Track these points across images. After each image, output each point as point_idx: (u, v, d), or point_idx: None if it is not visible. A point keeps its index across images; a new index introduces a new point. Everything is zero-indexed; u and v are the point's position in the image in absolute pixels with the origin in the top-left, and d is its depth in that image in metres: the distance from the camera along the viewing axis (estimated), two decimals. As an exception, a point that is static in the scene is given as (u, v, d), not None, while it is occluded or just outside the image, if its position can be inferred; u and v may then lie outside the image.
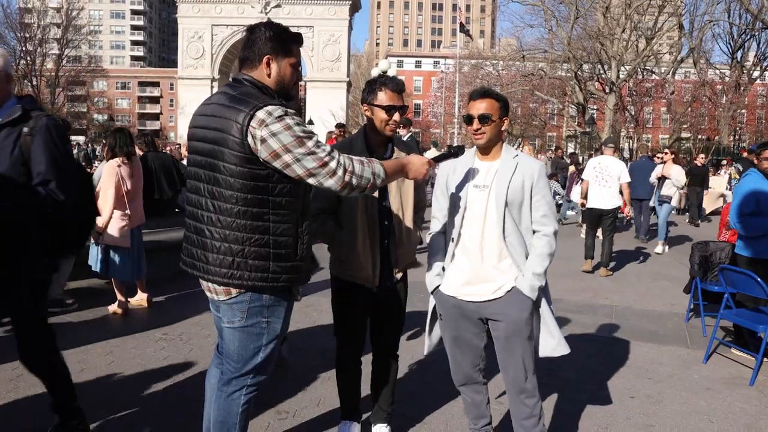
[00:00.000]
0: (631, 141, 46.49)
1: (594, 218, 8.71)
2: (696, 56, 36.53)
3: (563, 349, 2.92)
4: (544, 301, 2.89)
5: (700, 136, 44.88)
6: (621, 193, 8.59)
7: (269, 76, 2.54)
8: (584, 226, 9.91)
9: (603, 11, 32.73)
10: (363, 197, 3.04)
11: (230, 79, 2.64)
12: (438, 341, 3.13)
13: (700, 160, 16.58)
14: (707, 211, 17.03)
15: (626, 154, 38.80)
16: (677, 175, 11.04)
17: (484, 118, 2.82)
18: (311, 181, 2.39)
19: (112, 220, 5.64)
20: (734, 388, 4.51)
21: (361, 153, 3.05)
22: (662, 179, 11.02)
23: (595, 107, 40.71)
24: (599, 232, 8.77)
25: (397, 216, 3.18)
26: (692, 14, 36.44)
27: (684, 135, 44.39)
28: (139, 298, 6.08)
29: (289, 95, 2.61)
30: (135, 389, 4.09)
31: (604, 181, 8.42)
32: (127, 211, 5.71)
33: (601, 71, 35.25)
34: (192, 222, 2.54)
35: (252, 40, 2.54)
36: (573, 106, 40.28)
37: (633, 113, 42.50)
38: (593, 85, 36.57)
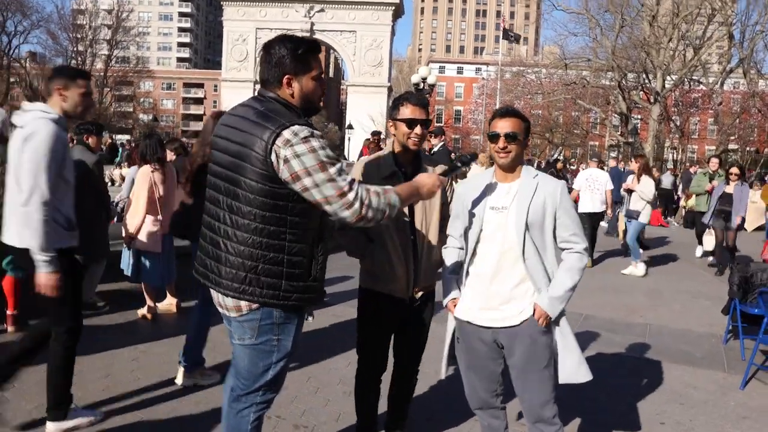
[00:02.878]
0: (675, 152, 45.38)
1: (586, 221, 9.39)
2: (746, 66, 35.38)
3: (585, 375, 2.82)
4: (564, 322, 2.80)
5: (748, 148, 43.53)
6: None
7: (293, 95, 2.48)
8: None
9: (649, 20, 32.05)
10: None
11: (256, 93, 2.61)
12: (455, 364, 3.06)
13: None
14: (750, 229, 16.34)
15: (669, 165, 37.88)
16: (644, 187, 9.61)
17: (510, 137, 2.75)
18: (327, 209, 2.36)
19: (143, 225, 5.72)
20: (772, 418, 4.31)
21: (389, 170, 3.06)
22: (630, 192, 9.84)
23: (638, 117, 39.86)
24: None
25: (421, 233, 3.15)
26: (743, 24, 35.30)
27: (731, 147, 43.11)
28: (168, 303, 6.15)
29: (313, 110, 2.58)
30: (158, 396, 4.13)
31: (596, 189, 9.98)
32: (159, 217, 5.79)
33: (646, 81, 34.50)
34: (208, 233, 2.53)
35: (269, 60, 2.49)
36: (616, 115, 39.49)
37: (678, 124, 41.49)
38: (637, 94, 35.81)
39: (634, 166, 10.26)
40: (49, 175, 3.16)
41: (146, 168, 5.80)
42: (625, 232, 10.90)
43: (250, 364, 2.54)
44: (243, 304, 2.46)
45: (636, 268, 9.53)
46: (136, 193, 5.81)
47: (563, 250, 2.80)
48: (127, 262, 5.88)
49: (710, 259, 10.89)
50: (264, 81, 2.52)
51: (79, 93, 3.37)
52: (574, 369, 2.81)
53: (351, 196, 2.33)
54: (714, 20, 33.47)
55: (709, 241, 10.54)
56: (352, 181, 2.38)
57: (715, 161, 11.53)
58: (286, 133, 2.31)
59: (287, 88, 2.48)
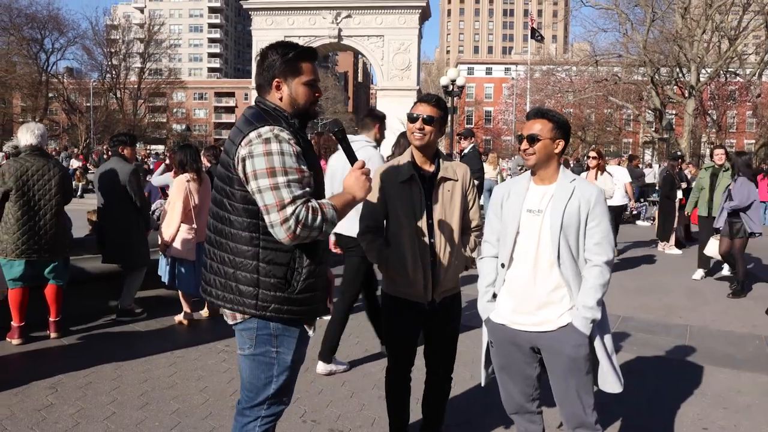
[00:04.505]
0: (713, 147, 44.33)
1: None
2: (785, 57, 34.42)
3: (615, 387, 2.77)
4: (597, 335, 2.74)
5: (789, 141, 42.30)
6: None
7: (281, 99, 2.48)
8: None
9: (681, 12, 31.32)
10: (409, 215, 3.06)
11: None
12: (493, 371, 3.03)
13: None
14: None
15: (708, 161, 36.96)
16: (602, 185, 8.75)
17: (532, 139, 2.73)
18: (266, 219, 2.27)
19: (179, 233, 5.81)
20: (821, 421, 4.16)
21: (407, 174, 3.09)
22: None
23: (673, 112, 39.04)
24: None
25: (441, 237, 3.14)
26: (781, 12, 34.37)
27: (771, 140, 41.93)
28: (206, 311, 6.23)
29: (307, 116, 2.54)
30: (194, 401, 4.18)
31: (615, 185, 9.85)
32: (193, 225, 5.88)
33: (680, 75, 33.77)
34: (205, 243, 2.59)
35: (262, 64, 2.50)
36: (649, 111, 38.76)
37: (715, 118, 40.53)
38: (671, 89, 35.07)
39: (592, 162, 9.11)
40: None
41: (182, 177, 5.89)
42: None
43: (251, 375, 2.52)
44: (237, 312, 2.46)
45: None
46: (171, 201, 5.91)
47: (586, 261, 2.73)
48: (164, 269, 5.97)
49: (724, 271, 9.16)
50: (257, 86, 2.53)
51: None
52: (604, 378, 2.77)
53: (289, 210, 2.23)
54: (750, 9, 32.58)
55: (712, 247, 8.44)
56: (300, 195, 2.26)
57: (720, 153, 8.92)
58: (252, 134, 2.32)
59: (276, 92, 2.47)
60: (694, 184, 9.94)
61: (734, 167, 8.39)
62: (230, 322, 2.52)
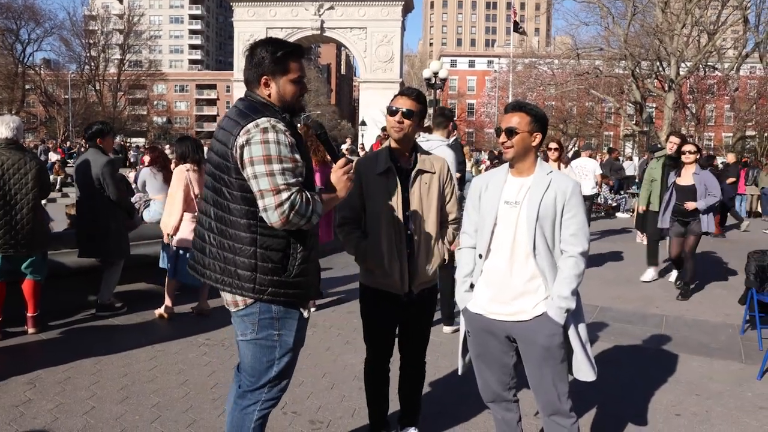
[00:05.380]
0: (692, 140, 44.78)
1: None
2: (762, 51, 34.77)
3: (588, 375, 2.82)
4: (572, 324, 2.79)
5: (766, 134, 42.88)
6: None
7: (270, 96, 2.56)
8: None
9: (662, 7, 31.58)
10: (386, 207, 3.10)
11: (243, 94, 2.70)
12: (470, 359, 3.08)
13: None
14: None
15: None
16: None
17: (510, 132, 2.77)
18: (260, 204, 2.39)
19: (183, 222, 5.81)
20: (790, 407, 4.27)
21: (384, 165, 3.12)
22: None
23: (653, 105, 39.40)
24: None
25: (418, 229, 3.18)
26: (759, 7, 34.66)
27: (749, 133, 42.49)
28: (200, 305, 6.13)
29: (294, 111, 2.63)
30: (175, 394, 4.19)
31: (585, 175, 11.05)
32: (196, 214, 5.84)
33: (660, 68, 34.08)
34: (198, 227, 2.67)
35: (251, 60, 2.58)
36: (630, 104, 39.07)
37: (694, 111, 40.97)
38: (651, 82, 35.38)
39: (552, 154, 8.05)
40: None
41: (182, 167, 5.88)
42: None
43: (253, 359, 2.60)
44: (239, 298, 2.54)
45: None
46: (172, 192, 5.89)
47: (562, 252, 2.78)
48: (166, 260, 5.97)
49: (672, 278, 8.17)
50: (246, 81, 2.62)
51: None
52: (577, 367, 2.82)
53: (284, 195, 2.35)
54: (728, 4, 32.97)
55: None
56: (294, 183, 2.39)
57: (675, 140, 7.89)
58: (250, 125, 2.41)
59: (265, 89, 2.56)
60: (645, 174, 8.72)
61: (675, 160, 7.59)
62: (232, 309, 2.59)
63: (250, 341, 2.58)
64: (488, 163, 23.03)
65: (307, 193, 2.43)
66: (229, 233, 2.49)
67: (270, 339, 2.57)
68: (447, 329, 5.50)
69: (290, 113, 2.60)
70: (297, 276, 2.54)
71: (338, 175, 2.61)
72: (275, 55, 2.54)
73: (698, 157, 7.42)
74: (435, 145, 4.90)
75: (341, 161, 2.63)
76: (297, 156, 2.44)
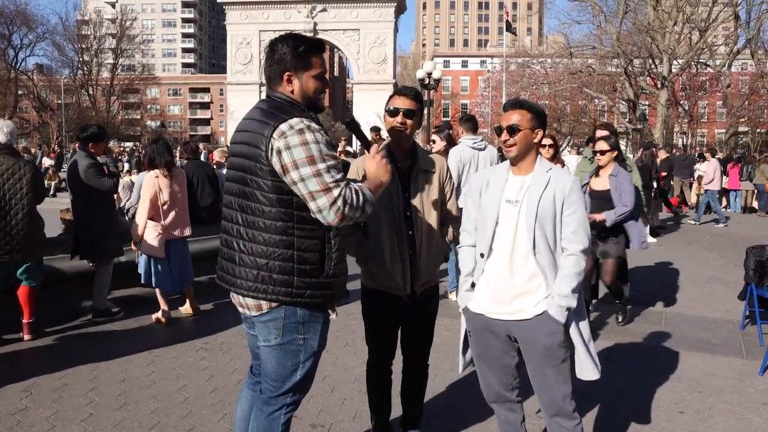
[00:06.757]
0: (685, 137, 44.95)
1: None
2: (754, 47, 34.93)
3: (591, 374, 2.80)
4: (573, 323, 2.76)
5: (759, 130, 43.05)
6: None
7: (293, 92, 2.51)
8: None
9: (653, 4, 31.70)
10: (386, 207, 3.05)
11: (265, 95, 2.65)
12: (471, 359, 3.05)
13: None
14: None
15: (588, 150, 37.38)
16: None
17: (512, 129, 2.74)
18: (311, 205, 2.33)
19: (146, 230, 5.75)
20: (792, 403, 4.26)
21: None
22: None
23: (646, 103, 39.53)
24: None
25: (419, 229, 3.15)
26: (749, 4, 34.84)
27: (742, 129, 42.66)
28: (186, 308, 6.17)
29: (317, 107, 2.58)
30: (174, 399, 4.14)
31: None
32: (162, 222, 5.79)
33: (653, 66, 34.20)
34: (224, 235, 2.58)
35: (272, 57, 2.53)
36: (623, 102, 39.17)
37: (687, 108, 41.11)
38: (644, 80, 35.49)
39: (546, 152, 6.43)
40: None
41: (151, 174, 5.82)
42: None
43: (277, 365, 2.54)
44: (263, 302, 2.47)
45: None
46: (141, 198, 5.85)
47: (563, 249, 2.75)
48: (142, 267, 5.92)
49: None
50: (268, 78, 2.56)
51: None
52: (581, 366, 2.80)
53: (336, 192, 2.30)
54: (719, 1, 33.10)
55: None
56: (341, 178, 2.35)
57: (601, 133, 6.53)
58: (283, 126, 2.34)
59: (288, 85, 2.51)
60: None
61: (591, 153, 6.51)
62: (253, 313, 2.51)
63: (275, 346, 2.52)
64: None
65: (354, 185, 2.38)
66: (263, 238, 2.41)
67: (295, 343, 2.51)
68: (453, 297, 5.78)
69: (314, 111, 2.55)
70: (332, 276, 2.50)
71: (377, 161, 2.57)
72: (297, 50, 2.48)
73: (615, 155, 5.88)
74: (483, 145, 6.02)
75: (374, 147, 2.61)
76: (335, 153, 2.41)
